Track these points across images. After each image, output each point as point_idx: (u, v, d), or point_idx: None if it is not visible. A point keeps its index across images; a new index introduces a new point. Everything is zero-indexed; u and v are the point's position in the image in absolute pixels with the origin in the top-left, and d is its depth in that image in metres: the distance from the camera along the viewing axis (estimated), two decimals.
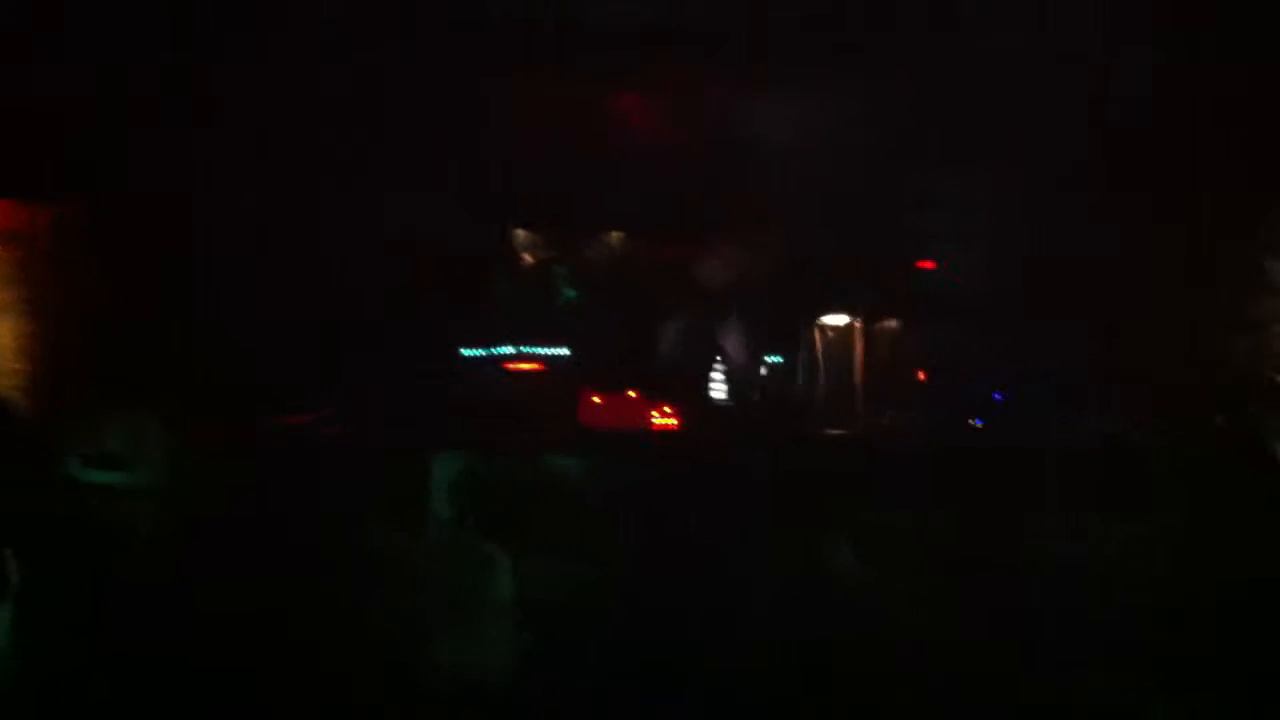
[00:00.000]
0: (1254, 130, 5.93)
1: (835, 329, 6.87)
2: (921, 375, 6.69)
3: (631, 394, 6.54)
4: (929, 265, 7.38)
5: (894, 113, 6.78)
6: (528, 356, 6.96)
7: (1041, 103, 6.46)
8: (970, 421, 6.10)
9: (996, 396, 6.05)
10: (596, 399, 6.45)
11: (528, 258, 7.67)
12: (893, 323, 6.94)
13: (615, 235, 7.64)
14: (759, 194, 7.16)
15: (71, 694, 1.82)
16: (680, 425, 6.41)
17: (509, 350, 6.87)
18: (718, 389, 6.83)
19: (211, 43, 5.75)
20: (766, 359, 6.81)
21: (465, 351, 6.79)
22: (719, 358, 6.85)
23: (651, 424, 6.42)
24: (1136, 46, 5.99)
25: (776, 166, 7.19)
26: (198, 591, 2.16)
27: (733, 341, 6.99)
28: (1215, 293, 6.21)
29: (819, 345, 6.85)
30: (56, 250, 6.21)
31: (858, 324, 6.84)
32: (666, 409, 6.48)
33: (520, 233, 7.64)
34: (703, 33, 6.37)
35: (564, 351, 6.98)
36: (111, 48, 5.68)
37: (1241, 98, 5.93)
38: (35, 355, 5.94)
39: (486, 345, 6.86)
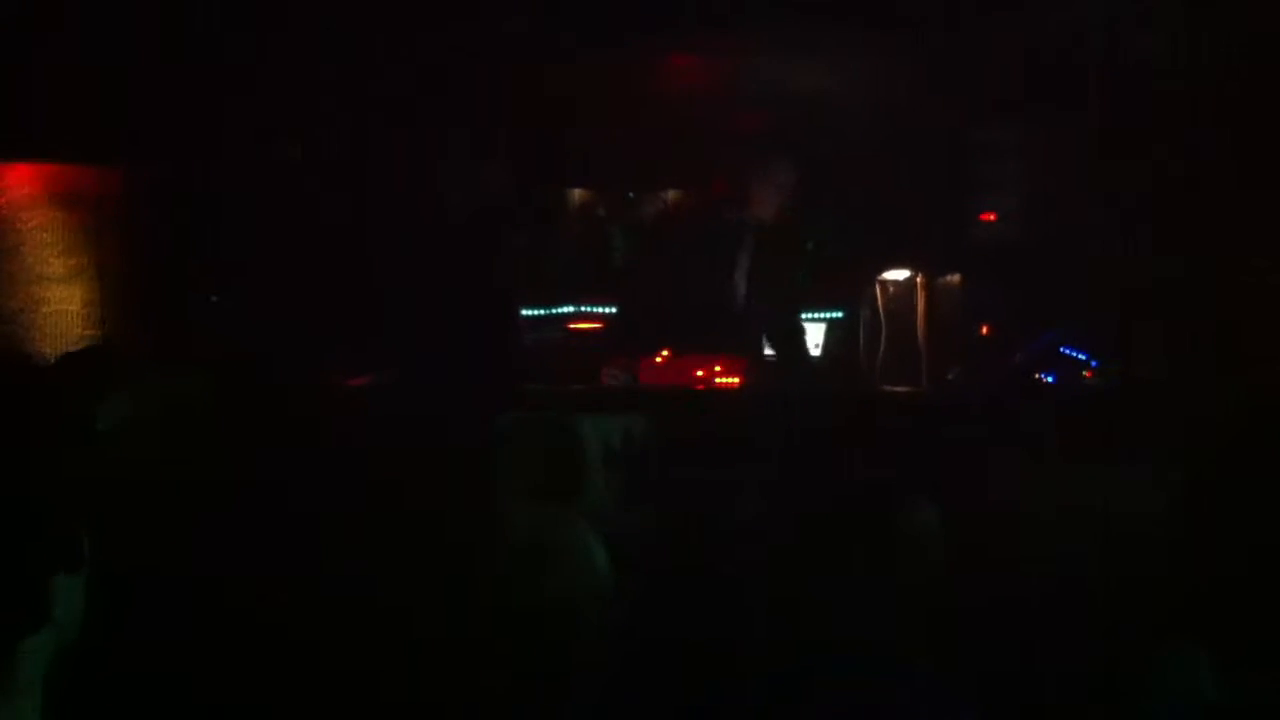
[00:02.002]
0: None
1: (897, 284, 6.80)
2: (985, 330, 6.62)
3: (691, 352, 6.52)
4: (991, 218, 7.28)
5: (951, 61, 6.67)
6: (588, 316, 6.96)
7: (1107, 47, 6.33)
8: (1038, 377, 6.02)
9: (1067, 351, 5.97)
10: (657, 358, 6.44)
11: (584, 216, 7.66)
12: (955, 277, 6.86)
13: (672, 193, 7.60)
14: (816, 149, 7.08)
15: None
16: (740, 383, 6.38)
17: (569, 309, 6.88)
18: (776, 346, 6.79)
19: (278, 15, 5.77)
20: (827, 315, 6.76)
21: (526, 311, 6.81)
22: (778, 314, 6.81)
23: (712, 381, 6.40)
24: None
25: (834, 121, 7.11)
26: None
27: (791, 298, 6.95)
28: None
29: (880, 301, 6.79)
30: (122, 215, 6.27)
31: (920, 279, 6.76)
32: (725, 366, 6.46)
33: (577, 192, 7.62)
34: None
35: (623, 310, 6.97)
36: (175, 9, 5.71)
37: None
38: (102, 322, 6.02)
39: (547, 305, 6.87)
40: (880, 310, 6.68)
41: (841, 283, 6.76)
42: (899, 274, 6.73)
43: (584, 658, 2.27)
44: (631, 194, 7.38)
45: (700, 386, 6.26)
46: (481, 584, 2.31)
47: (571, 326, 6.87)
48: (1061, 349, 6.06)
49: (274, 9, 5.76)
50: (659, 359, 6.36)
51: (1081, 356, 6.09)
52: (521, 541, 2.44)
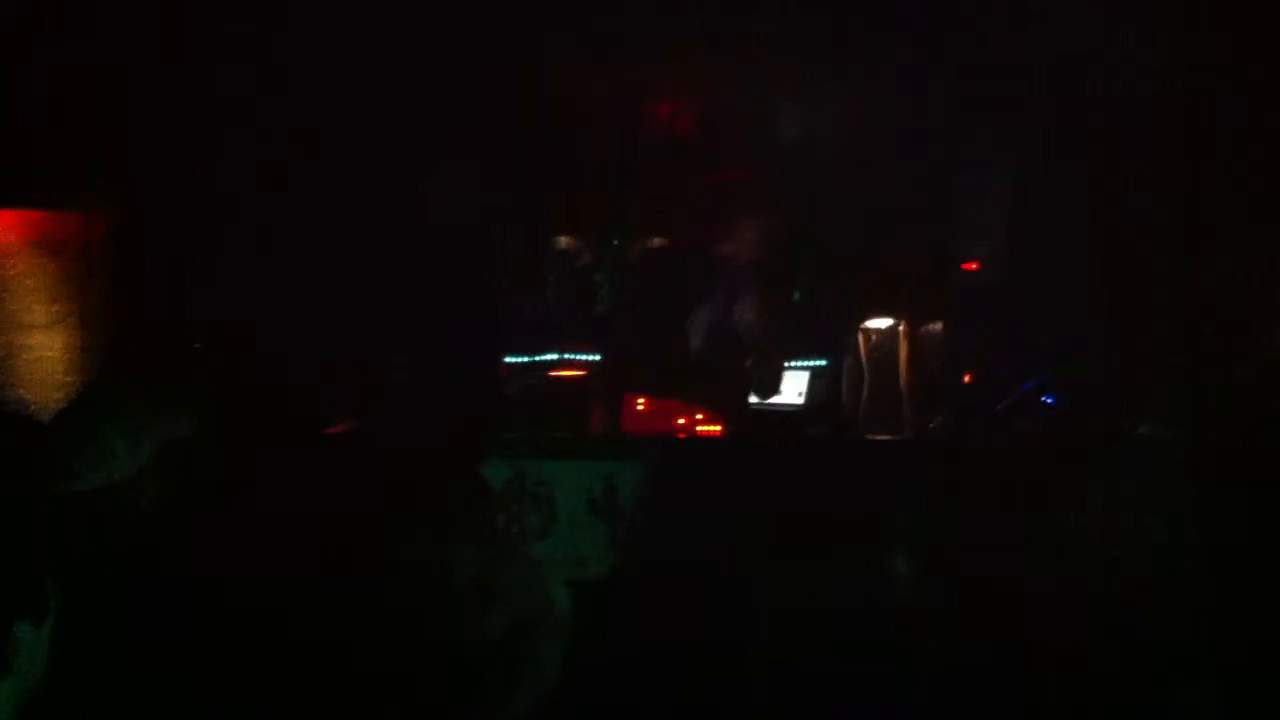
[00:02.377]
0: None
1: (879, 332, 6.83)
2: (968, 378, 6.64)
3: (673, 399, 6.53)
4: (973, 265, 7.32)
5: (933, 109, 6.72)
6: (570, 363, 6.97)
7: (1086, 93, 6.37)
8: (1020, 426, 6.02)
9: (1048, 400, 5.98)
10: (639, 405, 6.44)
11: (567, 261, 7.67)
12: (937, 325, 6.88)
13: (656, 238, 7.63)
14: (799, 196, 7.12)
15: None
16: (723, 430, 6.39)
17: (553, 356, 6.89)
18: (759, 393, 6.80)
19: (251, 45, 5.78)
20: (810, 363, 6.77)
21: (509, 359, 6.81)
22: (761, 361, 6.82)
23: (694, 429, 6.40)
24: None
25: (818, 168, 7.15)
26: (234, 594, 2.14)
27: (774, 345, 6.97)
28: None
29: (863, 349, 6.81)
30: (105, 260, 6.25)
31: (902, 327, 6.78)
32: (708, 414, 6.47)
33: (563, 238, 7.65)
34: (736, 31, 6.33)
35: (606, 357, 6.98)
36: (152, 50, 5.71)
37: None
38: (85, 369, 5.99)
39: (530, 352, 6.87)
40: (862, 357, 6.70)
41: (821, 331, 6.79)
42: (880, 322, 6.76)
43: (537, 696, 2.25)
44: (616, 242, 7.41)
45: (682, 433, 6.26)
46: (423, 622, 2.29)
47: (553, 374, 6.88)
48: (1043, 398, 6.07)
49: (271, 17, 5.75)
50: (639, 405, 6.37)
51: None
52: (465, 580, 2.42)
